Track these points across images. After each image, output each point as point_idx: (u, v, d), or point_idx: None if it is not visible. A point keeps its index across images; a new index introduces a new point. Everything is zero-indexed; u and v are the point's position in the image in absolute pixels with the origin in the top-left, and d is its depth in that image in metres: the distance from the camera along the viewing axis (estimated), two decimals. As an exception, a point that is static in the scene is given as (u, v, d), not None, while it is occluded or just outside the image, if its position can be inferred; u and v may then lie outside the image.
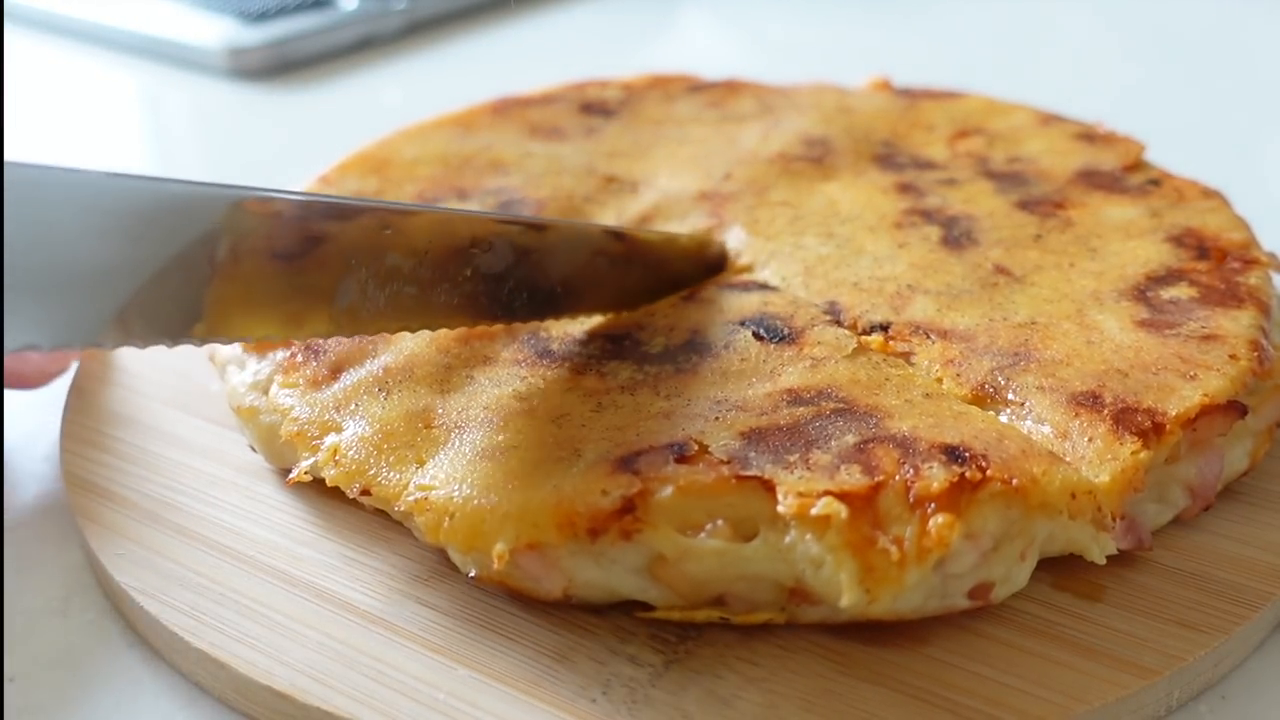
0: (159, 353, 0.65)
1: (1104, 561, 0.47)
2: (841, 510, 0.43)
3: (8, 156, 0.38)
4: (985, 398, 0.51)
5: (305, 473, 0.52)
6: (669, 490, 0.45)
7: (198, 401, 0.62)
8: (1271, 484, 0.55)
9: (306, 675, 0.46)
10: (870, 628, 0.46)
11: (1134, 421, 0.48)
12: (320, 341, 0.56)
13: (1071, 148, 0.73)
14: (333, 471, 0.50)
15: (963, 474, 0.45)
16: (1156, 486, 0.50)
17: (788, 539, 0.44)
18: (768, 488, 0.45)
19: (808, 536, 0.44)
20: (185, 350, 0.50)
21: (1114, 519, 0.47)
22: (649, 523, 0.45)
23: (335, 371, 0.55)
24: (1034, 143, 0.74)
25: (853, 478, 0.45)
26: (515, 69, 1.23)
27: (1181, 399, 0.49)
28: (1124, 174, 0.69)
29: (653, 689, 0.45)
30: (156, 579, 0.51)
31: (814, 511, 0.43)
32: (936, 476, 0.44)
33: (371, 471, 0.50)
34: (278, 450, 0.55)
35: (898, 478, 0.45)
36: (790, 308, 0.58)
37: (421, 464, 0.49)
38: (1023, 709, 0.43)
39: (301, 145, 1.06)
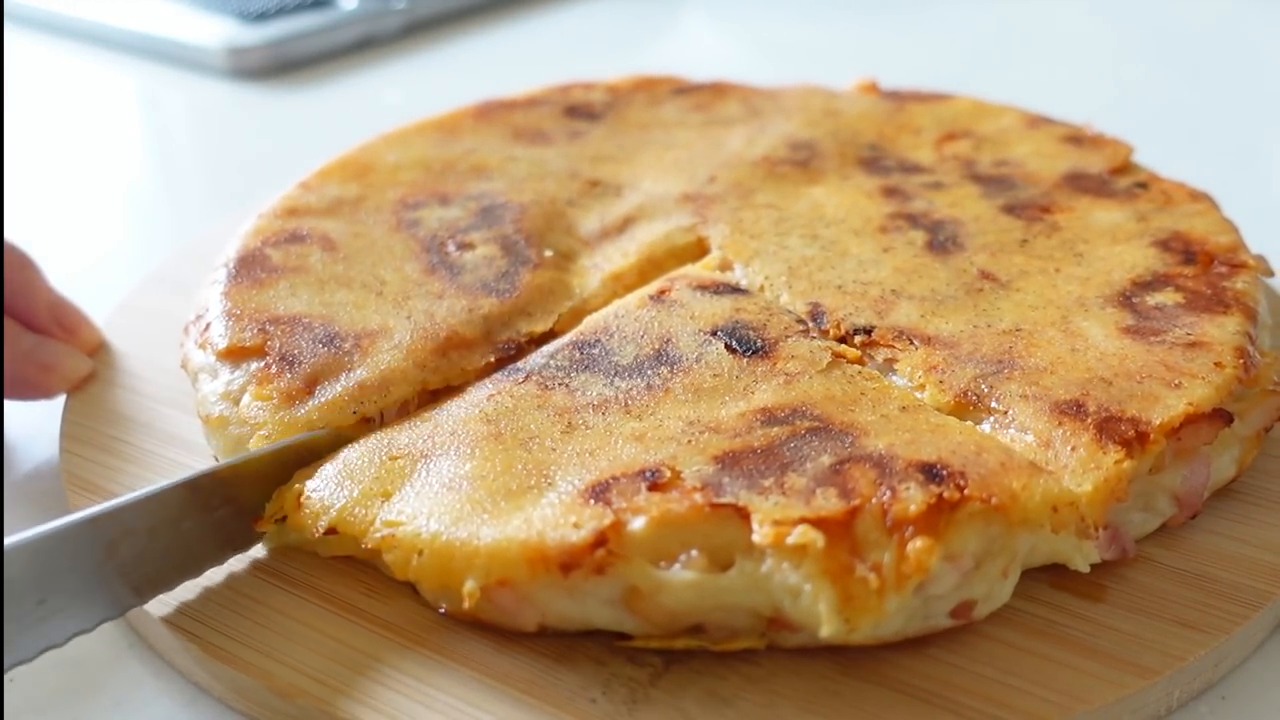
0: (159, 353, 0.65)
1: (1088, 570, 0.47)
2: (818, 539, 0.42)
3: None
4: (968, 405, 0.51)
5: (266, 523, 0.50)
6: (642, 521, 0.44)
7: (194, 402, 0.61)
8: (1272, 484, 0.54)
9: (306, 675, 0.46)
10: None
11: (1117, 431, 0.48)
12: (295, 351, 0.56)
13: (1059, 150, 0.72)
14: (294, 516, 0.49)
15: (940, 494, 0.44)
16: (1142, 495, 0.50)
17: (764, 568, 0.43)
18: (742, 515, 0.44)
19: (784, 565, 0.43)
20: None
21: (1097, 529, 0.47)
22: (621, 556, 0.44)
23: (310, 385, 0.54)
24: (1021, 145, 0.74)
25: (829, 502, 0.44)
26: (514, 69, 1.23)
27: (1166, 408, 0.49)
28: (1111, 177, 0.69)
29: (653, 689, 0.45)
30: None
31: (790, 540, 0.42)
32: (914, 498, 0.44)
33: (336, 509, 0.48)
34: None
35: (874, 500, 0.44)
36: (763, 315, 0.57)
37: (388, 497, 0.48)
38: (1023, 709, 0.43)
39: (301, 145, 1.06)
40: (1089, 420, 0.49)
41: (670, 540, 0.44)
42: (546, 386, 0.53)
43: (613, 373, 0.54)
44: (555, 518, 0.45)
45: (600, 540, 0.44)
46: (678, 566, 0.44)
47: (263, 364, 0.55)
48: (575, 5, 1.46)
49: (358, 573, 0.51)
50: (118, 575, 0.46)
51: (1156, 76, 1.21)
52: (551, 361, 0.55)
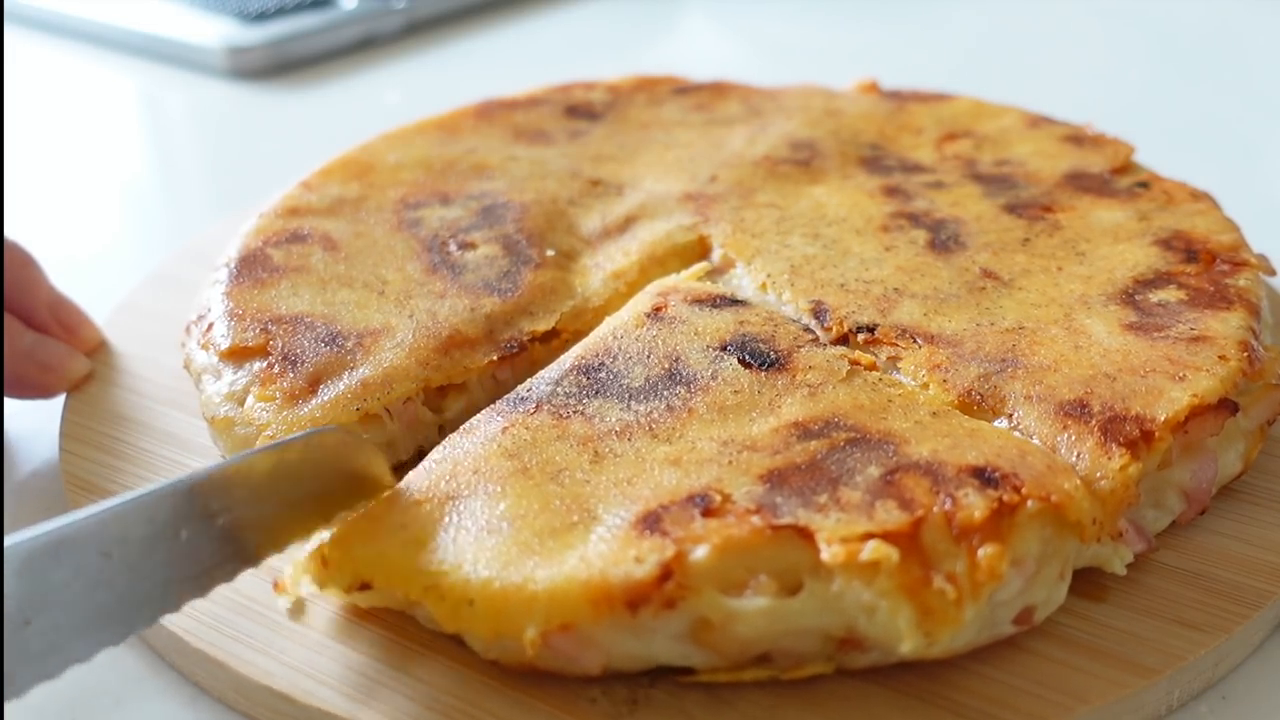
0: (159, 353, 0.65)
1: (1124, 571, 0.47)
2: (892, 554, 0.41)
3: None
4: (972, 405, 0.51)
5: (292, 584, 0.48)
6: (704, 550, 0.42)
7: (197, 402, 0.61)
8: (1273, 483, 0.54)
9: (306, 675, 0.46)
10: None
11: (1122, 432, 0.48)
12: (298, 351, 0.56)
13: (1060, 150, 0.72)
14: (322, 575, 0.46)
15: (1000, 498, 0.43)
16: (1152, 493, 0.50)
17: (834, 587, 0.42)
18: (805, 536, 0.43)
19: (856, 584, 0.42)
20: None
21: (1113, 536, 0.47)
22: (690, 588, 0.42)
23: (313, 384, 0.54)
24: (1022, 145, 0.74)
25: (891, 515, 0.43)
26: (515, 69, 1.23)
27: (1170, 401, 0.49)
28: (1113, 176, 0.69)
29: (653, 689, 0.45)
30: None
31: (863, 557, 0.41)
32: (976, 505, 0.43)
33: (369, 561, 0.45)
34: None
35: (936, 509, 0.43)
36: (769, 326, 0.56)
37: (423, 546, 0.45)
38: (1025, 708, 0.43)
39: (301, 145, 1.06)
40: (1093, 422, 0.49)
41: (736, 567, 0.43)
42: (561, 415, 0.51)
43: (627, 396, 0.52)
44: (613, 553, 0.43)
45: (666, 574, 0.42)
46: (748, 594, 0.42)
47: (265, 364, 0.55)
48: (575, 5, 1.46)
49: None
50: (112, 593, 0.41)
51: (1156, 76, 1.21)
52: (559, 389, 0.52)
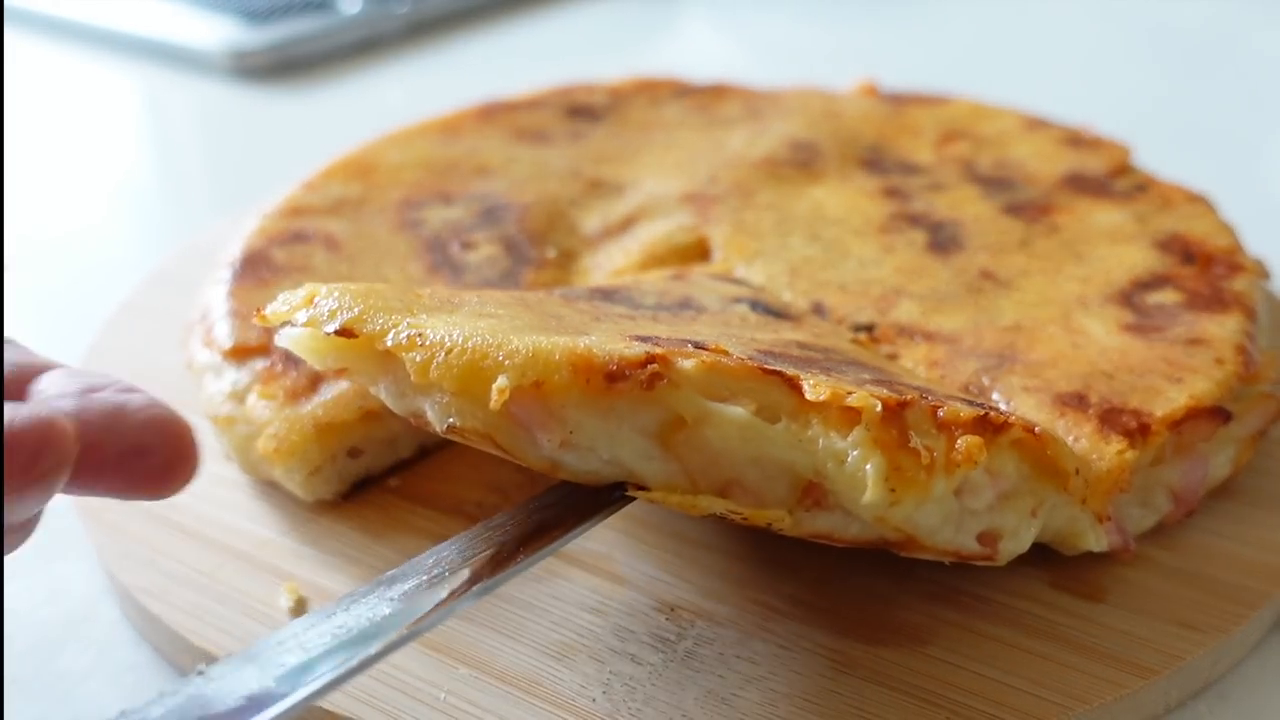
0: (159, 353, 0.65)
1: (1102, 548, 0.47)
2: (875, 404, 0.40)
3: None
4: (970, 398, 0.51)
5: (274, 315, 0.45)
6: (692, 363, 0.41)
7: (198, 401, 0.62)
8: (1270, 484, 0.55)
9: (307, 674, 0.46)
10: (870, 625, 0.46)
11: (1120, 422, 0.48)
12: None
13: (1058, 152, 0.73)
14: (307, 313, 0.44)
15: (987, 413, 0.43)
16: (1141, 489, 0.50)
17: (811, 431, 0.41)
18: (792, 385, 0.41)
19: (833, 431, 0.40)
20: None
21: (1102, 520, 0.47)
22: (673, 381, 0.41)
23: (315, 383, 0.55)
24: (1021, 147, 0.74)
25: (879, 392, 0.42)
26: (516, 70, 1.23)
27: (1167, 400, 0.49)
28: (1110, 178, 0.69)
29: (653, 688, 0.45)
30: (160, 578, 0.51)
31: (849, 401, 0.40)
32: (963, 409, 0.42)
33: (357, 310, 0.43)
34: (253, 462, 0.55)
35: (924, 401, 0.42)
36: (781, 305, 0.58)
37: (413, 315, 0.44)
38: (1023, 708, 0.43)
39: (303, 146, 1.06)
40: (1091, 411, 0.49)
41: (719, 386, 0.41)
42: (571, 301, 0.51)
43: (637, 305, 0.52)
44: (604, 341, 0.42)
45: (652, 361, 0.41)
46: (728, 404, 0.41)
47: (267, 362, 0.56)
48: (576, 6, 1.46)
49: (356, 569, 0.51)
50: None
51: (1155, 78, 1.21)
52: (575, 294, 0.53)
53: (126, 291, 0.73)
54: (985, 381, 0.52)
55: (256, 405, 0.54)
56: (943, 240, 0.64)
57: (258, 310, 0.45)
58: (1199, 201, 0.66)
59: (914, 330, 0.56)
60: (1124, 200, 0.67)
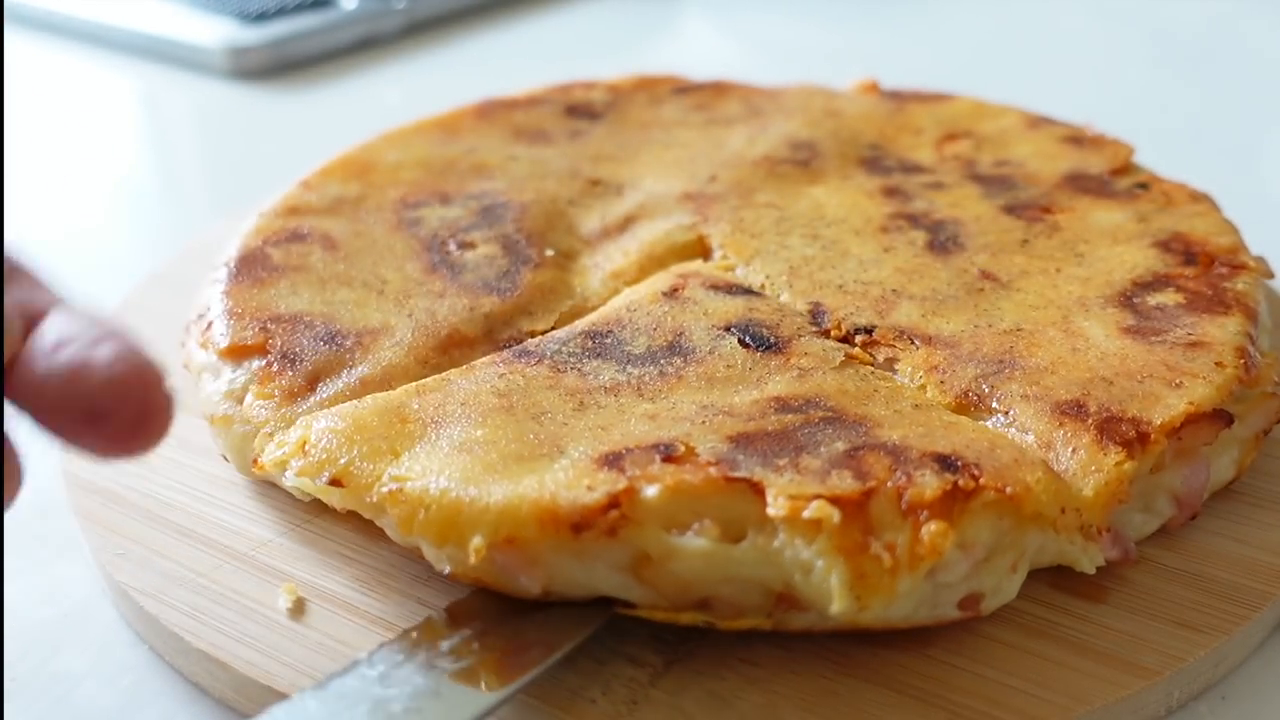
0: (160, 353, 0.65)
1: (1094, 572, 0.47)
2: (834, 514, 0.42)
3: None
4: (969, 405, 0.51)
5: (271, 465, 0.50)
6: (655, 489, 0.44)
7: (197, 401, 0.61)
8: (1272, 484, 0.54)
9: (306, 675, 0.46)
10: (865, 630, 0.46)
11: (1118, 431, 0.48)
12: (297, 349, 0.56)
13: (1059, 151, 0.72)
14: (300, 463, 0.49)
15: (956, 482, 0.44)
16: (1142, 496, 0.50)
17: (776, 542, 0.43)
18: (756, 490, 0.44)
19: (797, 541, 0.43)
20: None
21: (1100, 532, 0.47)
22: (634, 520, 0.43)
23: (312, 382, 0.54)
24: (1022, 146, 0.74)
25: (844, 483, 0.44)
26: (514, 68, 1.23)
27: (1167, 407, 0.49)
28: (1112, 178, 0.69)
29: (653, 689, 0.45)
30: (157, 579, 0.50)
31: (806, 515, 0.42)
32: (929, 484, 0.44)
33: (343, 461, 0.48)
34: (250, 462, 0.54)
35: (890, 484, 0.44)
36: (776, 315, 0.57)
37: (396, 456, 0.48)
38: (1023, 710, 0.43)
39: (301, 145, 1.06)
40: (1090, 421, 0.49)
41: (683, 510, 0.44)
42: (559, 369, 0.53)
43: (625, 360, 0.54)
44: (569, 481, 0.45)
45: (613, 503, 0.44)
46: (690, 534, 0.43)
47: (264, 362, 0.55)
48: (575, 5, 1.46)
49: (355, 569, 0.51)
50: None
51: (1156, 77, 1.21)
52: (564, 348, 0.55)
53: (125, 292, 0.73)
54: (984, 389, 0.51)
55: (253, 405, 0.54)
56: (943, 240, 0.63)
57: (254, 460, 0.51)
58: (1202, 200, 0.66)
59: (913, 333, 0.55)
60: (1125, 200, 0.67)
